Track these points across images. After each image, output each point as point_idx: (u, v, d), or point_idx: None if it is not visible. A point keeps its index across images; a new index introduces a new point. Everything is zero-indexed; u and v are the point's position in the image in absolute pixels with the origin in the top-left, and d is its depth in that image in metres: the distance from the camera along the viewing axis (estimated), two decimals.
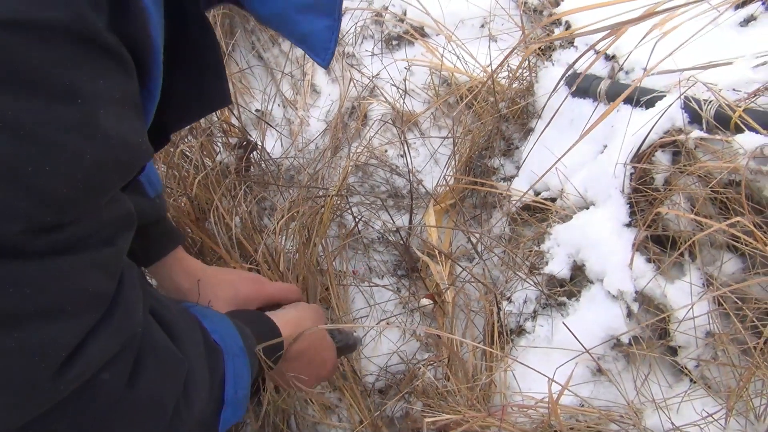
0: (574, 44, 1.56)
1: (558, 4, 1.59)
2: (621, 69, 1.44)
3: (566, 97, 1.49)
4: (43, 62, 0.50)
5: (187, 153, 1.79)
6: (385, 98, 2.00)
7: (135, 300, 0.68)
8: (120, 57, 0.57)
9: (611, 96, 1.41)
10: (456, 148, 1.68)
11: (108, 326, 0.63)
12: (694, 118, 1.23)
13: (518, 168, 1.62)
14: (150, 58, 0.61)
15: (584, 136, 1.09)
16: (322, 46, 0.76)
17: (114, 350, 0.64)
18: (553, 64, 1.57)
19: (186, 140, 1.79)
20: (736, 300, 1.13)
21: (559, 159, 1.23)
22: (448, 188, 1.68)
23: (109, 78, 0.56)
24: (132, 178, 0.65)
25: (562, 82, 1.45)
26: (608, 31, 1.15)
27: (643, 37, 1.23)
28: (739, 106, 1.16)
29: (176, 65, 0.73)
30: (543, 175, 1.40)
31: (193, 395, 0.74)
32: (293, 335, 0.98)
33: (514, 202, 1.56)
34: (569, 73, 1.49)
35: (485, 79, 1.58)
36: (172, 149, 1.74)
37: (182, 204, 1.72)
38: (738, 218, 1.09)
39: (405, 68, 2.03)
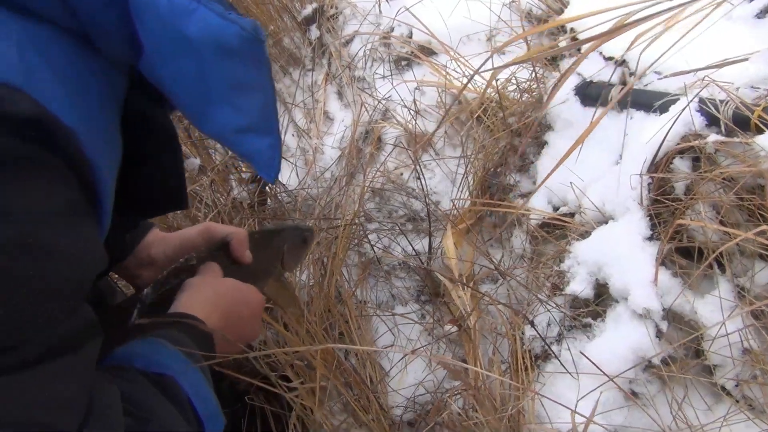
0: (581, 51, 1.50)
1: (562, 12, 1.53)
2: (632, 74, 1.37)
3: (571, 102, 1.42)
4: None
5: (198, 191, 1.78)
6: (397, 120, 1.96)
7: (111, 407, 0.65)
8: (53, 168, 0.56)
9: (623, 102, 1.34)
10: (469, 167, 1.63)
11: None
12: (712, 121, 1.16)
13: (534, 183, 1.56)
14: (92, 176, 0.61)
15: (581, 141, 1.03)
16: (267, 164, 0.76)
17: None
18: (560, 74, 1.51)
19: (196, 179, 1.78)
20: None
21: (558, 164, 1.16)
22: (463, 210, 1.63)
23: (44, 192, 0.55)
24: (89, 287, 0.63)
25: (571, 92, 1.39)
26: (609, 35, 1.08)
27: (635, 38, 1.16)
28: (758, 105, 1.08)
29: (142, 166, 0.75)
30: (540, 184, 1.34)
31: None
32: (210, 312, 0.90)
33: (531, 220, 1.49)
34: (578, 81, 1.43)
35: (492, 94, 1.52)
36: None
37: None
38: (766, 226, 1.01)
39: (415, 89, 1.99)
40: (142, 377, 0.72)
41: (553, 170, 1.19)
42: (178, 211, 1.71)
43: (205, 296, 0.93)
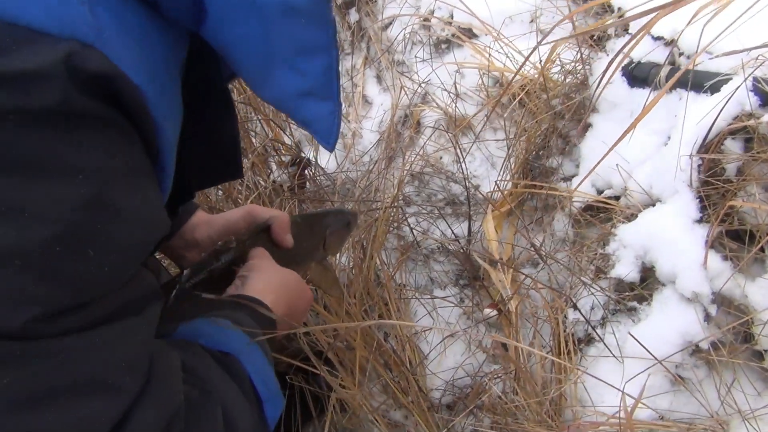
0: (629, 31, 1.47)
1: None
2: (681, 54, 1.34)
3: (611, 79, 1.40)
4: (36, 145, 0.50)
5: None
6: (437, 104, 1.95)
7: (171, 371, 0.66)
8: (120, 127, 0.56)
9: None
10: (511, 150, 1.62)
11: (149, 398, 0.60)
12: (766, 101, 1.13)
13: (578, 166, 1.54)
14: (156, 138, 0.61)
15: (633, 127, 1.01)
16: (326, 131, 0.73)
17: (161, 425, 0.61)
18: (607, 55, 1.48)
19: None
20: None
21: (611, 149, 1.13)
22: (505, 193, 1.61)
23: (111, 151, 0.55)
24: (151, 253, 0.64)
25: (617, 73, 1.37)
26: (657, 13, 1.06)
27: (696, 12, 1.13)
28: None
29: (199, 134, 0.74)
30: (590, 173, 1.32)
31: (236, 420, 0.71)
32: (277, 300, 0.91)
33: (575, 203, 1.47)
34: (625, 61, 1.40)
35: (535, 76, 1.50)
36: None
37: None
38: None
39: (455, 71, 1.97)
40: (206, 353, 0.73)
41: (602, 158, 1.17)
42: (221, 192, 1.73)
43: (274, 283, 0.93)
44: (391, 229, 1.80)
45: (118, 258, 0.57)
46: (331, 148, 0.75)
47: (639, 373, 1.11)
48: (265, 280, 0.93)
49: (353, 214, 1.28)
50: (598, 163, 1.11)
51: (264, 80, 0.68)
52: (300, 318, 0.99)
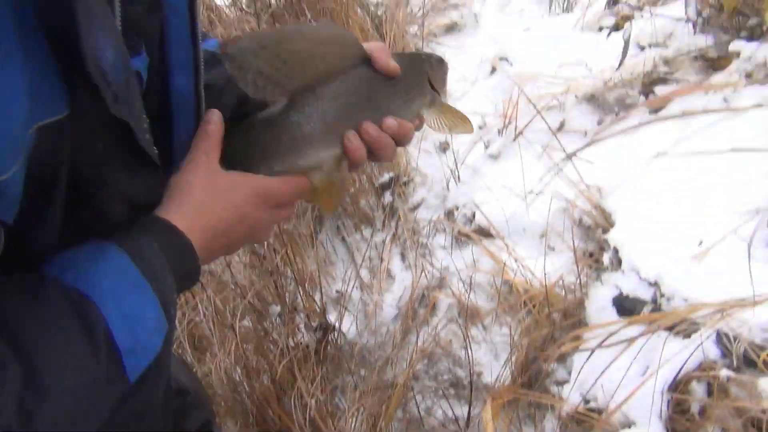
0: (622, 268, 1.73)
1: (608, 229, 1.78)
2: (662, 296, 1.59)
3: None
4: None
5: (269, 329, 2.03)
6: (452, 291, 2.20)
7: None
8: None
9: (653, 319, 1.55)
10: (512, 351, 1.84)
11: None
12: (727, 353, 1.35)
13: (569, 373, 1.75)
14: None
15: (616, 359, 1.23)
16: None
17: None
18: (602, 284, 1.74)
19: (275, 325, 2.04)
20: None
21: (603, 371, 1.36)
22: (503, 390, 1.82)
23: None
24: None
25: (610, 306, 1.62)
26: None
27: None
28: (765, 349, 1.28)
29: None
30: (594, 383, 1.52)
31: (50, 379, 0.56)
32: (202, 226, 0.74)
33: (565, 407, 1.67)
34: (616, 293, 1.65)
35: (540, 290, 1.75)
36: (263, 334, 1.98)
37: (264, 381, 1.93)
38: None
39: (471, 274, 2.24)
40: (59, 297, 0.61)
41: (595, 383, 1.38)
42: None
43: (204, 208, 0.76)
44: (399, 404, 1.99)
45: None
46: None
47: None
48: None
49: (441, 56, 1.13)
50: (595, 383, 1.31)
51: None
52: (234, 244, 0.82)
